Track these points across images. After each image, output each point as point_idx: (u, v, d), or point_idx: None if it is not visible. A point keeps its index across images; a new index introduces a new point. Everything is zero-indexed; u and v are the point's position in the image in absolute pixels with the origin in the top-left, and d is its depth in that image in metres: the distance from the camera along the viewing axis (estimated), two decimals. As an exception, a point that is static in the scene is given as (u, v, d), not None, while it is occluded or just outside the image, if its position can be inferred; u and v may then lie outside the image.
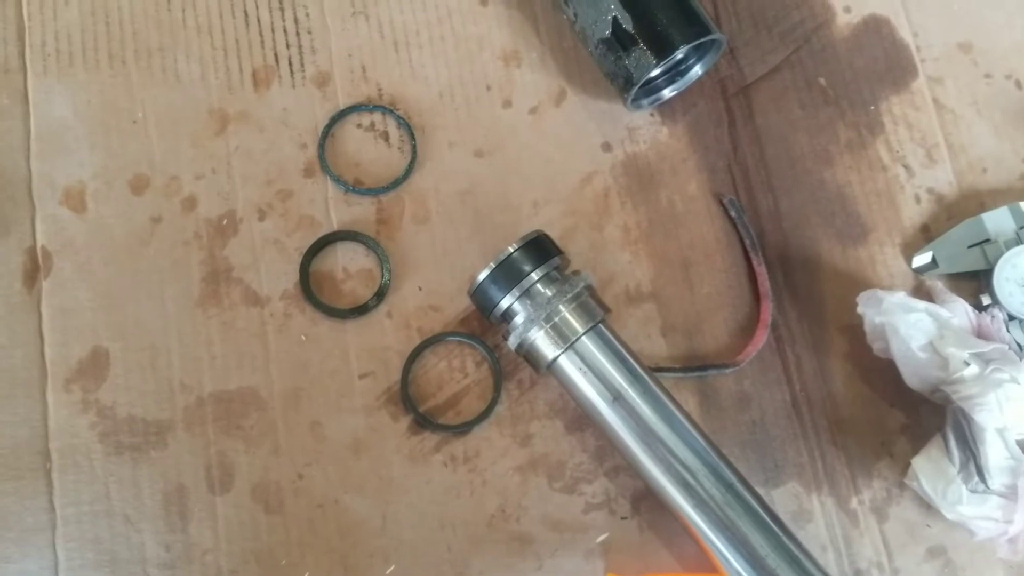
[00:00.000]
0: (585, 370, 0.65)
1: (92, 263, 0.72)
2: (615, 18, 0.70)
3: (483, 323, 0.73)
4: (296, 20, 0.77)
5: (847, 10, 0.80)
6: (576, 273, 0.68)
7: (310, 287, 0.72)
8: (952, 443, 0.65)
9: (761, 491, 0.66)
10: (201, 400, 0.70)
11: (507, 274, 0.66)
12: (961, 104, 0.78)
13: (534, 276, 0.66)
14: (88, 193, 0.73)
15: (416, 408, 0.71)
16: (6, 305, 0.71)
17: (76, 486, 0.69)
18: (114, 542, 0.68)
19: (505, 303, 0.66)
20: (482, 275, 0.66)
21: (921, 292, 0.73)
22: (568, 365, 0.66)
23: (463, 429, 0.71)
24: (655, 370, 0.69)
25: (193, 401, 0.70)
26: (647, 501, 0.70)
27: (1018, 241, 0.72)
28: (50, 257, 0.72)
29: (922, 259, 0.74)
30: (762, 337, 0.72)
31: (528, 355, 0.67)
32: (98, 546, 0.68)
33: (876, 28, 0.80)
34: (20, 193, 0.73)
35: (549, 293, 0.66)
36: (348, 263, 0.74)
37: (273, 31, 0.77)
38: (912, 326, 0.67)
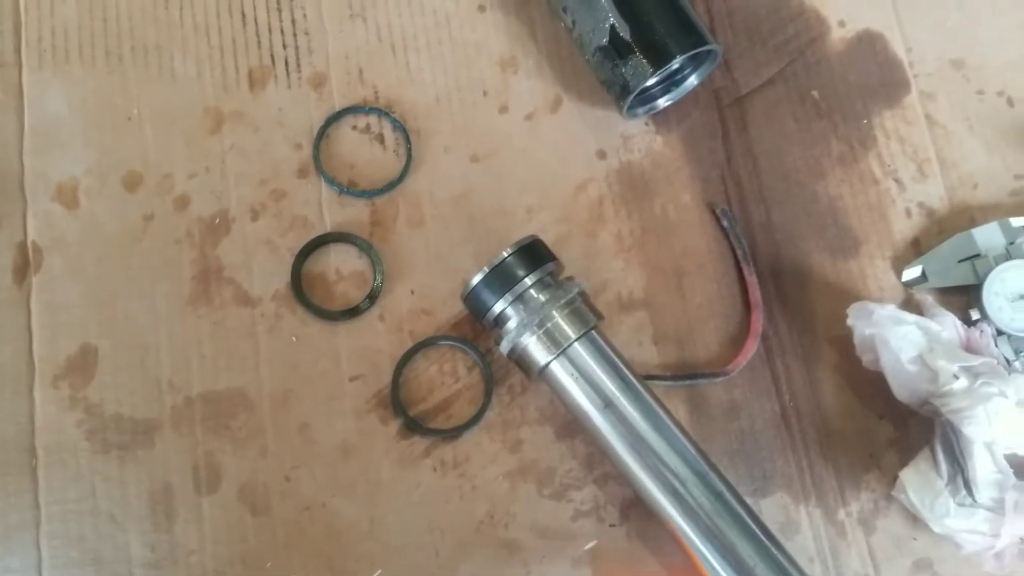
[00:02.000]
0: (577, 376, 0.65)
1: (83, 260, 0.72)
2: (613, 26, 0.70)
3: (475, 328, 0.73)
4: (294, 21, 0.77)
5: (841, 24, 0.80)
6: (569, 279, 0.68)
7: (302, 288, 0.72)
8: (940, 456, 0.65)
9: (749, 501, 0.66)
10: (189, 400, 0.70)
11: (501, 279, 0.66)
12: (953, 120, 0.78)
13: (528, 281, 0.66)
14: (81, 189, 0.73)
15: (406, 412, 0.71)
16: (-5, 300, 0.71)
17: (62, 484, 0.68)
18: (99, 541, 0.68)
19: (498, 308, 0.66)
20: (476, 279, 0.66)
21: (911, 306, 0.74)
22: (560, 371, 0.65)
23: (453, 434, 0.71)
24: (646, 378, 0.69)
25: (181, 400, 0.70)
26: (636, 509, 0.70)
27: (1007, 256, 0.72)
28: (40, 253, 0.72)
29: (912, 273, 0.74)
30: (752, 347, 0.72)
31: (520, 360, 0.67)
32: (83, 544, 0.67)
33: (870, 43, 0.80)
34: (12, 188, 0.72)
35: (542, 299, 0.66)
36: (341, 265, 0.73)
37: (270, 31, 0.77)
38: (902, 338, 0.67)
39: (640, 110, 0.77)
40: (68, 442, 0.69)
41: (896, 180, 0.77)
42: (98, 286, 0.72)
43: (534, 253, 0.67)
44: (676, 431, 0.65)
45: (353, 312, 0.72)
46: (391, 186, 0.75)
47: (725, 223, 0.75)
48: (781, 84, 0.79)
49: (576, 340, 0.65)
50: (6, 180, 0.72)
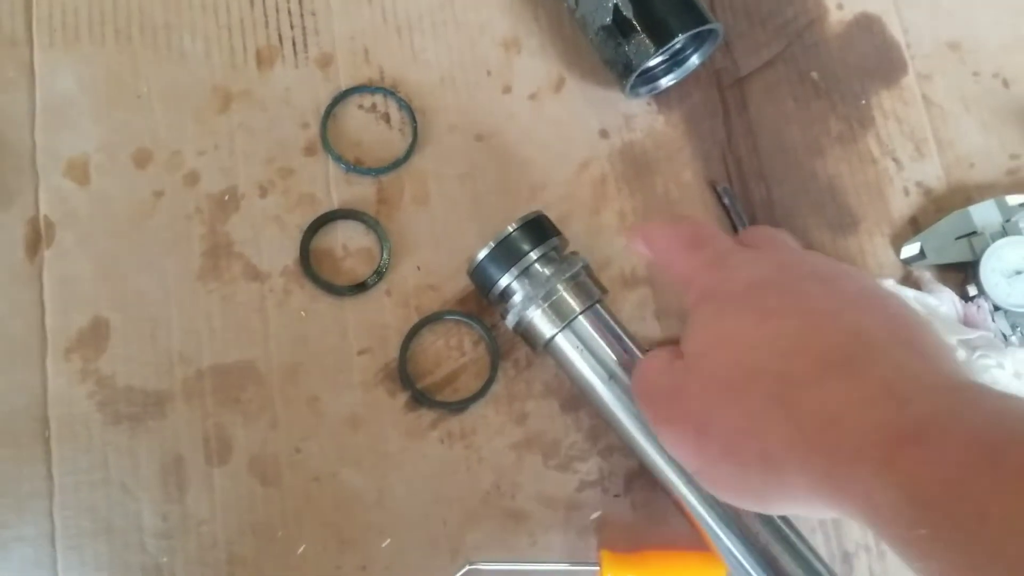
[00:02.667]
0: (582, 348, 0.66)
1: (94, 234, 0.73)
2: (616, 6, 0.72)
3: (480, 303, 0.74)
4: (300, 2, 0.78)
5: (839, 7, 0.81)
6: (574, 254, 0.69)
7: (310, 264, 0.73)
8: (939, 426, 0.67)
9: (751, 472, 0.67)
10: (200, 372, 0.71)
11: (506, 253, 0.67)
12: (949, 100, 0.80)
13: (533, 255, 0.67)
14: (91, 165, 0.74)
15: (414, 385, 0.71)
16: (8, 274, 0.71)
17: (74, 454, 0.69)
18: (111, 511, 0.68)
19: (504, 282, 0.67)
20: (482, 253, 0.67)
21: (909, 282, 0.75)
22: (565, 343, 0.67)
23: (460, 407, 0.72)
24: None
25: (192, 373, 0.71)
26: (640, 480, 0.71)
27: (1004, 234, 0.73)
28: (52, 227, 0.72)
29: (910, 250, 0.76)
30: (754, 322, 0.73)
31: (526, 333, 0.68)
32: (95, 515, 0.68)
33: (868, 25, 0.81)
34: (24, 164, 0.73)
35: (548, 272, 0.67)
36: (348, 241, 0.74)
37: (277, 12, 0.78)
38: (901, 312, 0.68)
39: (642, 90, 0.78)
40: (80, 413, 0.70)
41: (894, 159, 0.78)
42: (109, 260, 0.72)
43: (539, 228, 0.68)
44: (680, 401, 0.66)
45: (360, 287, 0.73)
46: (397, 164, 0.76)
47: (726, 200, 0.77)
48: (781, 65, 0.80)
49: (581, 313, 0.66)
50: (18, 156, 0.73)
